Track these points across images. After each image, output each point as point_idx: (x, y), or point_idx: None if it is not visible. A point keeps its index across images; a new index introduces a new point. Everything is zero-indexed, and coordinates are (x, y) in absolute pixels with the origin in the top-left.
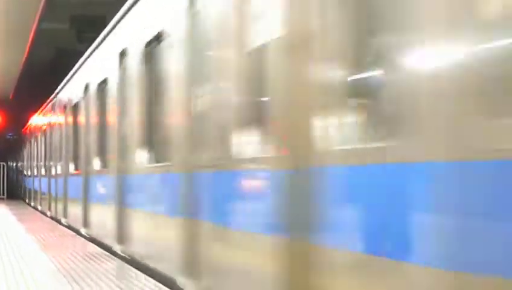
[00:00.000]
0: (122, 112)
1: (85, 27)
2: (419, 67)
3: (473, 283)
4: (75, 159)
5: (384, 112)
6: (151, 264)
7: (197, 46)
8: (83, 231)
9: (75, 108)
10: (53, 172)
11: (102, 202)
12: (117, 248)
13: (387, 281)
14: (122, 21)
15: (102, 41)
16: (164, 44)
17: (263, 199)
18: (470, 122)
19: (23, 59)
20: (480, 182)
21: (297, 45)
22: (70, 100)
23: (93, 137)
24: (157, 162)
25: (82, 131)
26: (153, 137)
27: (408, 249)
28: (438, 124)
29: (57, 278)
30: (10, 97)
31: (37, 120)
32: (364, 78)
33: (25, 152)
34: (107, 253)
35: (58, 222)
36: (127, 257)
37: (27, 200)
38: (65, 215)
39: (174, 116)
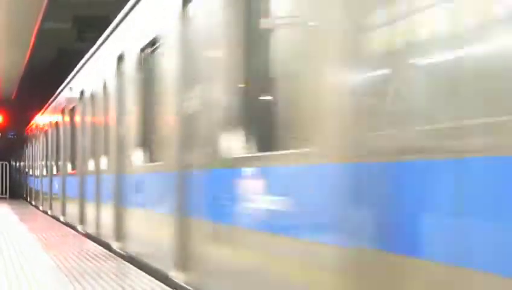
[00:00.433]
0: (120, 114)
1: (87, 27)
2: None
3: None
4: (73, 159)
5: None
6: (148, 261)
7: (188, 51)
8: (79, 227)
9: (73, 110)
10: (53, 171)
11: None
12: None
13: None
14: (120, 26)
15: (101, 45)
16: (158, 49)
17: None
18: None
19: (26, 59)
20: None
21: None
22: (70, 102)
23: (93, 137)
24: (152, 161)
25: (85, 132)
26: (148, 138)
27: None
28: None
29: (58, 278)
30: (13, 97)
31: (38, 120)
32: None
33: (27, 152)
34: (109, 252)
35: (58, 220)
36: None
37: (28, 199)
38: (63, 214)
39: (167, 118)
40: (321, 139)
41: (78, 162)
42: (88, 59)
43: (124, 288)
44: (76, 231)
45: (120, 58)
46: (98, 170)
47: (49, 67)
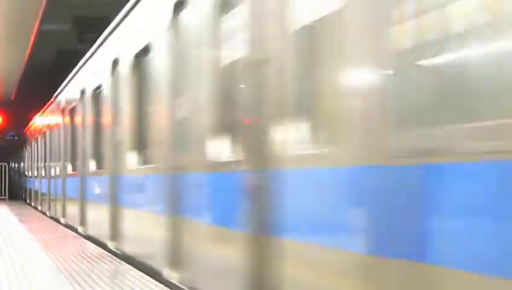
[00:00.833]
0: (115, 117)
1: (87, 28)
2: None
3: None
4: (73, 161)
5: None
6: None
7: (177, 59)
8: (79, 229)
9: (73, 112)
10: (52, 173)
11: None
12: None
13: None
14: (115, 32)
15: (97, 49)
16: (150, 56)
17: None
18: None
19: (25, 60)
20: None
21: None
22: (67, 104)
23: (90, 139)
24: (145, 164)
25: (82, 133)
26: (141, 140)
27: None
28: None
29: (59, 279)
30: (12, 98)
31: (37, 121)
32: None
33: (27, 153)
34: (107, 253)
35: (58, 221)
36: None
37: (28, 201)
38: (64, 215)
39: (158, 122)
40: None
41: (77, 164)
42: (84, 63)
43: (123, 289)
44: (76, 232)
45: (115, 63)
46: (94, 171)
47: (48, 68)
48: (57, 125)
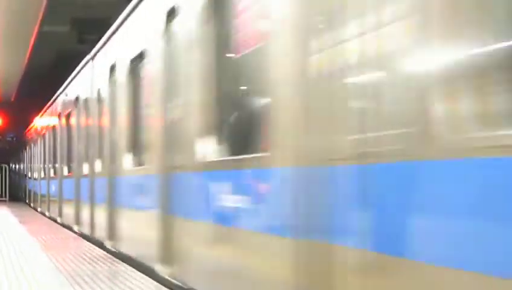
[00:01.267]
0: (112, 120)
1: (87, 29)
2: None
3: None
4: (70, 163)
5: None
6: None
7: (170, 65)
8: (75, 228)
9: (69, 114)
10: (51, 174)
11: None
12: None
13: None
14: (113, 37)
15: (96, 53)
16: (145, 61)
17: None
18: None
19: (25, 61)
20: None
21: None
22: (67, 107)
23: (88, 141)
24: (140, 165)
25: (80, 136)
26: (137, 143)
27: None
28: None
29: (59, 280)
30: (12, 99)
31: (37, 123)
32: None
33: (27, 154)
34: (109, 255)
35: (55, 221)
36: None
37: (27, 201)
38: (60, 215)
39: (152, 125)
40: None
41: (74, 165)
42: (83, 66)
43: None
44: (73, 231)
45: (112, 68)
46: (92, 172)
47: (48, 70)
48: (56, 127)
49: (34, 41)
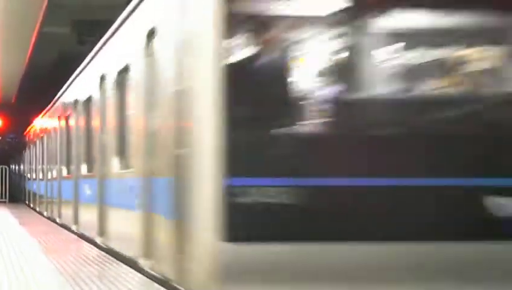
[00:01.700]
0: (102, 126)
1: (87, 31)
2: None
3: None
4: (68, 165)
5: None
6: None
7: (149, 79)
8: (73, 228)
9: (67, 119)
10: (49, 176)
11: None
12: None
13: None
14: (104, 49)
15: (88, 64)
16: (129, 74)
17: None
18: None
19: (26, 63)
20: None
21: None
22: (63, 113)
23: (81, 146)
24: (126, 168)
25: (73, 140)
26: (123, 149)
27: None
28: None
29: (59, 281)
30: (13, 101)
31: (36, 125)
32: None
33: (27, 156)
34: (109, 257)
35: (54, 221)
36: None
37: (27, 202)
38: (59, 215)
39: (135, 133)
40: None
41: (71, 167)
42: (78, 75)
43: None
44: (72, 231)
45: (102, 78)
46: (84, 174)
47: (49, 71)
48: (54, 130)
49: (35, 43)
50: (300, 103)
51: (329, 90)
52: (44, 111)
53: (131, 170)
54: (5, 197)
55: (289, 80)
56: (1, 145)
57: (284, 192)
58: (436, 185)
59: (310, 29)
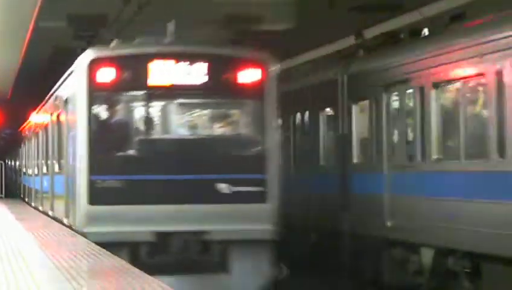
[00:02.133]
0: (57, 136)
1: (83, 25)
2: None
3: None
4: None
5: None
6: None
7: (66, 123)
8: (50, 213)
9: (45, 129)
10: (38, 171)
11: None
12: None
13: None
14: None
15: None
16: (60, 117)
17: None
18: None
19: (21, 58)
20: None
21: None
22: (54, 110)
23: (46, 150)
24: (59, 169)
25: (43, 146)
26: (60, 154)
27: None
28: None
29: (56, 276)
30: (8, 96)
31: (31, 121)
32: None
33: (22, 151)
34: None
35: (47, 214)
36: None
37: (22, 196)
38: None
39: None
40: None
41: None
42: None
43: (121, 286)
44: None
45: (66, 101)
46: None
47: (44, 66)
48: (45, 127)
49: (30, 38)
50: (125, 139)
51: (137, 133)
52: (38, 108)
53: (60, 171)
54: (1, 193)
55: (123, 127)
56: None
57: (115, 182)
58: (177, 179)
59: (132, 100)
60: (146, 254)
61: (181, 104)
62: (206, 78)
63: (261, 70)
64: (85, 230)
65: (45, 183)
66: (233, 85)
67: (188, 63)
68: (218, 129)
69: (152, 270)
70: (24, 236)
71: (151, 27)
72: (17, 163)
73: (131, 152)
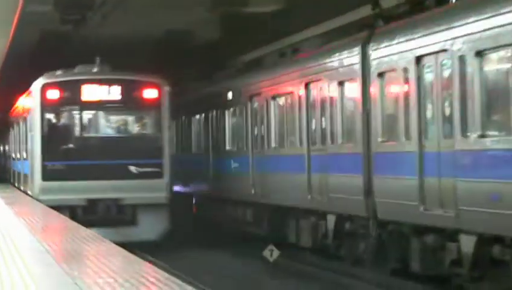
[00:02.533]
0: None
1: (69, 10)
2: None
3: None
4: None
5: None
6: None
7: (29, 126)
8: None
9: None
10: (20, 156)
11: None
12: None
13: None
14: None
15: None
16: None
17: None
18: None
19: (8, 42)
20: None
21: None
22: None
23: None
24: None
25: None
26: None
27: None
28: None
29: (46, 260)
30: None
31: (19, 106)
32: None
33: (11, 136)
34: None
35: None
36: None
37: (12, 181)
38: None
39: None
40: None
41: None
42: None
43: (110, 269)
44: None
45: (28, 111)
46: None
47: (32, 50)
48: (21, 122)
49: (18, 22)
50: (67, 137)
51: (75, 133)
52: (19, 100)
53: (26, 158)
54: None
55: (65, 129)
56: None
57: (60, 165)
58: (102, 163)
59: (71, 111)
60: (81, 214)
61: (105, 113)
62: (121, 96)
63: (158, 90)
64: (40, 198)
65: (20, 166)
66: (140, 100)
67: (108, 85)
68: (130, 130)
69: (85, 224)
70: (14, 221)
71: (135, 14)
72: (7, 148)
73: (71, 146)
